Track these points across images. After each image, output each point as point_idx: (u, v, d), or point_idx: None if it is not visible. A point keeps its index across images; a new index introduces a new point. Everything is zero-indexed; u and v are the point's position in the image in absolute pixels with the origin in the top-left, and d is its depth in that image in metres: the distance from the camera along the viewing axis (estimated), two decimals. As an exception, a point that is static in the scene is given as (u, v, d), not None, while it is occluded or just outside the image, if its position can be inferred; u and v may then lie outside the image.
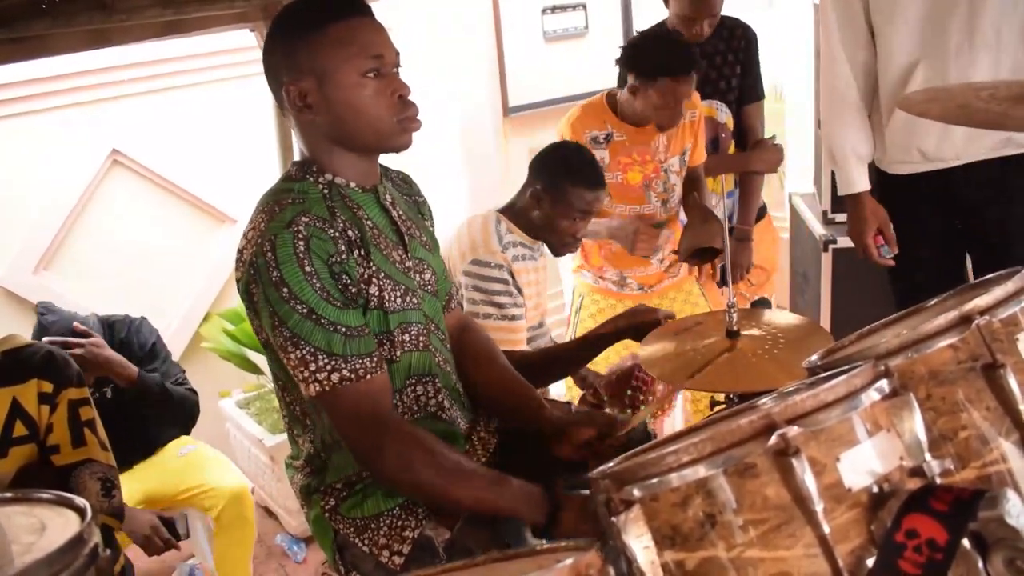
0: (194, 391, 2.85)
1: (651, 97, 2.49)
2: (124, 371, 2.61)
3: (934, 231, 2.34)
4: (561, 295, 3.64)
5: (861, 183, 2.30)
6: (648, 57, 2.50)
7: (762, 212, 3.17)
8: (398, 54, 1.52)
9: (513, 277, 2.15)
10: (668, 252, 2.80)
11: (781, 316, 2.11)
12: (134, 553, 2.52)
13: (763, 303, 3.15)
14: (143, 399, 2.68)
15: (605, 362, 2.44)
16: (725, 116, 3.00)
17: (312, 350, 1.40)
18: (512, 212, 2.28)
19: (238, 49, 3.50)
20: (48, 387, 1.84)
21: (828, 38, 2.25)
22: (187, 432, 2.96)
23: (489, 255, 2.14)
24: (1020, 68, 2.14)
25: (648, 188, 2.68)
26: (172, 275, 3.63)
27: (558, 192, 2.20)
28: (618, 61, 2.63)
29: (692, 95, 2.75)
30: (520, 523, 1.56)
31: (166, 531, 2.50)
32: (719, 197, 3.05)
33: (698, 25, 2.77)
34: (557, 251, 2.26)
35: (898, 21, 2.13)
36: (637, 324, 2.08)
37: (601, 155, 2.60)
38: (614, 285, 2.86)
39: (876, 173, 2.37)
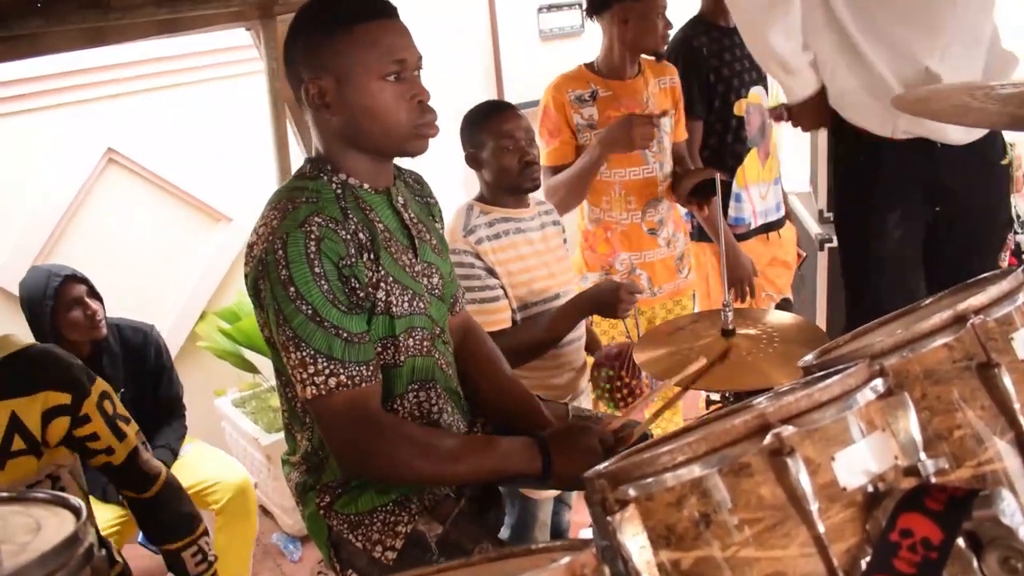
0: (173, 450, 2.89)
1: (632, 12, 2.53)
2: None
3: (912, 210, 2.31)
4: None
5: (816, 80, 2.31)
6: None
7: (781, 220, 3.16)
8: (420, 57, 1.51)
9: (481, 259, 2.15)
10: (672, 231, 2.79)
11: (777, 315, 2.12)
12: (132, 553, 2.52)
13: (786, 305, 3.15)
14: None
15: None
16: (768, 102, 3.01)
17: (312, 353, 1.40)
18: (481, 195, 2.30)
19: (234, 48, 3.49)
20: (65, 398, 1.76)
21: None
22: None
23: (453, 243, 2.16)
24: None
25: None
26: (168, 274, 3.63)
27: (480, 139, 2.22)
28: (588, 13, 2.68)
29: (669, 67, 2.77)
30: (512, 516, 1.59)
31: None
32: (768, 185, 3.04)
33: None
34: (525, 187, 2.24)
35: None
36: (598, 304, 2.19)
37: (589, 113, 2.61)
38: None
39: (855, 138, 2.33)
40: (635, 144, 2.51)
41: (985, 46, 2.19)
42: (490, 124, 2.20)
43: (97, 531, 2.02)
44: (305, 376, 1.42)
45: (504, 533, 2.41)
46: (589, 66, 2.69)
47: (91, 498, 2.56)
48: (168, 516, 1.97)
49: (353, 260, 1.43)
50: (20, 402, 1.71)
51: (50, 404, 1.74)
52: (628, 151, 2.57)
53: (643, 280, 2.78)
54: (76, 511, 0.88)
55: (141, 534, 2.33)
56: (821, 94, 2.32)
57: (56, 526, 0.86)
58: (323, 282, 1.39)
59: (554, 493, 2.30)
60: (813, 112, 2.37)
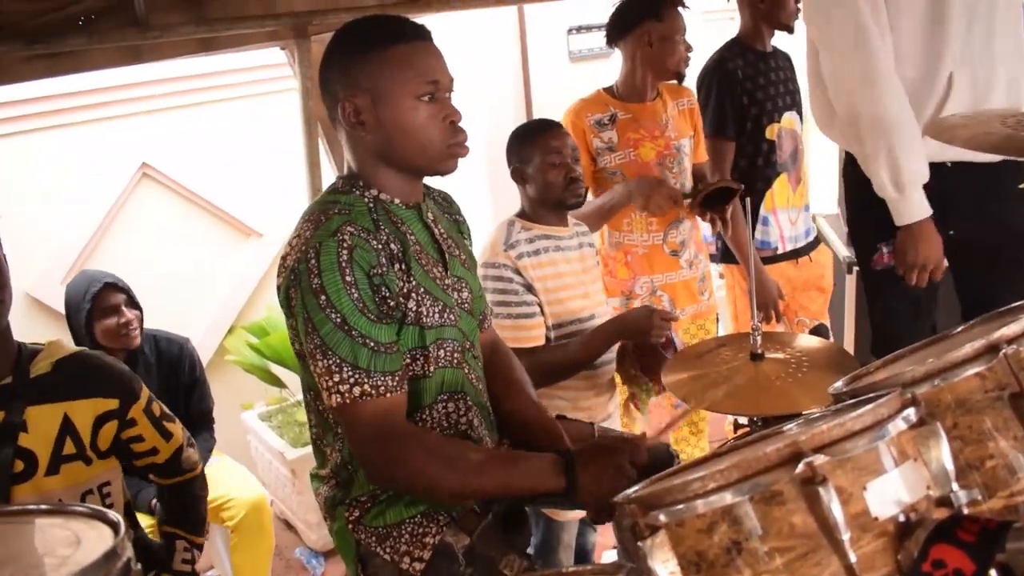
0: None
1: (655, 34, 2.58)
2: None
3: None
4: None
5: (927, 206, 2.14)
6: (626, 12, 2.64)
7: (812, 244, 3.15)
8: (452, 80, 1.55)
9: (520, 274, 2.16)
10: (694, 252, 2.79)
11: (806, 339, 2.11)
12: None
13: (822, 331, 3.11)
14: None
15: None
16: (802, 128, 3.02)
17: (338, 361, 1.43)
18: (523, 211, 2.32)
19: (267, 66, 3.54)
20: (114, 403, 1.77)
21: (871, 57, 2.10)
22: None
23: (494, 256, 2.18)
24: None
25: (663, 166, 2.65)
26: (198, 287, 3.67)
27: (528, 154, 2.24)
28: (608, 40, 2.72)
29: (686, 90, 2.80)
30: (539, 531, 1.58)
31: None
32: (799, 211, 3.03)
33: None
34: (569, 202, 2.25)
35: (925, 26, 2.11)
36: (631, 330, 2.18)
37: (609, 136, 2.63)
38: None
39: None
40: (650, 210, 2.57)
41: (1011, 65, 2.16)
42: (539, 140, 2.23)
43: (143, 535, 2.05)
44: (331, 384, 1.44)
45: (528, 553, 2.40)
46: (608, 90, 2.72)
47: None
48: (180, 505, 2.00)
49: (384, 269, 1.46)
50: (73, 405, 1.73)
51: (101, 410, 1.76)
52: (641, 211, 2.62)
53: (665, 302, 2.77)
54: (114, 526, 0.89)
55: None
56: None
57: (95, 540, 0.88)
58: (353, 290, 1.42)
59: (579, 514, 2.30)
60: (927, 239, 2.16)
